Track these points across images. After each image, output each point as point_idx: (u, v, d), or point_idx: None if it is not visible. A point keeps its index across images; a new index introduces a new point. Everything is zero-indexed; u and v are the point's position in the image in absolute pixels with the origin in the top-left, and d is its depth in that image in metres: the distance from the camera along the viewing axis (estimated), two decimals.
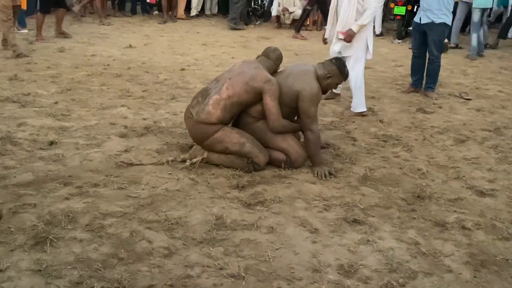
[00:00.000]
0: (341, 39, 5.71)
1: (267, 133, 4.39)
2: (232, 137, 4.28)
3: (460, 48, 10.49)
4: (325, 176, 4.26)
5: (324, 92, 4.55)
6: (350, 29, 5.63)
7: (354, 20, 5.66)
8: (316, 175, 4.29)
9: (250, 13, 13.00)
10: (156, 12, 13.01)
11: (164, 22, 12.20)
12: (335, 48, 5.83)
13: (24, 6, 8.26)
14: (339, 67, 4.52)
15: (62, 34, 9.66)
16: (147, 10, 13.47)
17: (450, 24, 6.68)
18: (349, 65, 5.54)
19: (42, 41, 9.08)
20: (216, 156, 4.36)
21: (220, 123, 4.29)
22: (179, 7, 13.10)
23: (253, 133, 4.42)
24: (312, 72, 4.45)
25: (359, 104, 5.88)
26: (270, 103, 4.27)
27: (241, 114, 4.45)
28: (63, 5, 9.67)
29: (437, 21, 6.51)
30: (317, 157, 4.38)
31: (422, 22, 6.60)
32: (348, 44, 5.72)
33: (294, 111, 4.47)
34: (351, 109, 5.95)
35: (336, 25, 5.92)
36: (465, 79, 7.96)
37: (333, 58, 4.64)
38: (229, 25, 11.86)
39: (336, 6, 5.93)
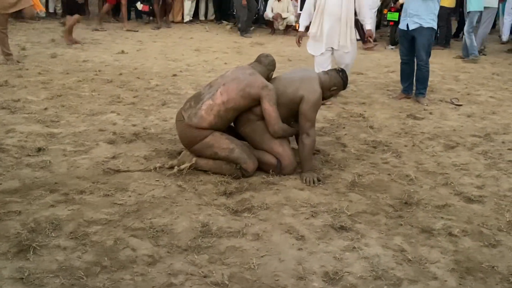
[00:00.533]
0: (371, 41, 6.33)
1: (266, 133, 4.39)
2: (221, 143, 4.28)
3: (484, 54, 10.38)
4: (313, 182, 4.26)
5: (323, 100, 4.59)
6: (370, 30, 6.85)
7: (353, 15, 6.35)
8: (304, 181, 4.28)
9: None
10: (151, 18, 13.00)
11: (158, 28, 12.20)
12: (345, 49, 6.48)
13: (40, 8, 8.16)
14: (343, 80, 4.61)
15: (71, 41, 9.68)
16: (140, 16, 13.47)
17: (436, 29, 6.71)
18: (346, 61, 6.54)
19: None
20: (205, 162, 4.35)
21: (211, 129, 4.28)
22: (175, 12, 13.14)
23: (253, 131, 4.43)
24: (316, 79, 4.51)
25: None
26: (269, 107, 4.28)
27: (243, 111, 4.44)
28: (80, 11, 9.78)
29: (426, 25, 6.52)
30: (308, 162, 4.38)
31: (410, 28, 6.59)
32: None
33: (294, 115, 4.48)
34: None
35: (322, 23, 6.43)
36: (456, 85, 7.97)
37: (339, 69, 4.68)
38: (240, 33, 11.88)
39: (322, 10, 6.34)
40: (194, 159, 4.35)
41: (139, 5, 12.66)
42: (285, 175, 4.37)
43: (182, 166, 4.32)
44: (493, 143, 5.41)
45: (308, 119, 4.35)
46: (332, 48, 6.51)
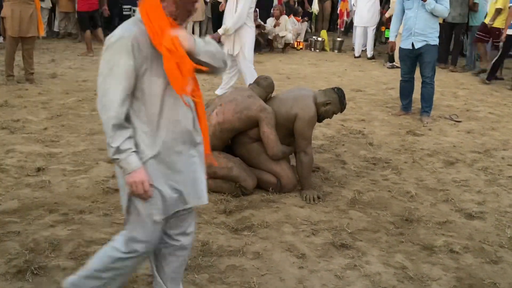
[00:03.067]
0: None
1: (262, 154, 4.39)
2: (219, 162, 4.26)
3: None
4: (313, 200, 4.25)
5: (320, 119, 4.56)
6: (217, 32, 6.61)
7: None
8: (304, 199, 4.27)
9: None
10: None
11: None
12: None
13: (42, 33, 8.27)
14: (339, 96, 4.54)
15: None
16: None
17: (438, 45, 6.76)
18: (238, 66, 6.75)
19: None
20: None
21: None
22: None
23: (248, 153, 4.42)
24: (311, 97, 4.47)
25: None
26: (268, 130, 4.28)
27: (238, 134, 4.44)
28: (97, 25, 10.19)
29: (432, 43, 6.56)
30: (307, 180, 4.37)
31: (416, 47, 6.59)
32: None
33: (290, 134, 4.47)
34: None
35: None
36: (455, 101, 7.99)
37: (335, 87, 4.66)
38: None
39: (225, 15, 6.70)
40: None
41: None
42: (285, 193, 4.36)
43: None
44: (493, 159, 5.41)
45: (304, 137, 4.34)
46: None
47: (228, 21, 6.57)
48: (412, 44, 6.62)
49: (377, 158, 5.32)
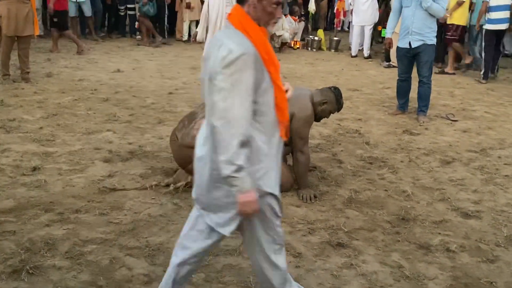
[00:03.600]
0: None
1: None
2: None
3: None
4: (310, 199, 4.24)
5: (317, 119, 4.55)
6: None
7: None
8: (301, 198, 4.26)
9: None
10: (139, 37, 13.03)
11: (156, 46, 12.23)
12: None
13: (37, 33, 8.26)
14: (336, 95, 4.54)
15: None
16: (135, 32, 13.51)
17: (436, 45, 6.76)
18: None
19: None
20: None
21: None
22: (177, 30, 13.27)
23: None
24: (308, 96, 4.46)
25: None
26: None
27: None
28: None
29: (430, 42, 6.56)
30: (304, 180, 4.36)
31: (413, 46, 6.60)
32: None
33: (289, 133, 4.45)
34: None
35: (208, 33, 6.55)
36: (452, 101, 8.00)
37: (332, 87, 4.66)
38: None
39: (207, 12, 6.51)
40: (189, 177, 4.33)
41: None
42: (282, 192, 4.35)
43: (178, 184, 4.30)
44: (489, 158, 5.42)
45: (301, 137, 4.33)
46: None
47: (217, 18, 6.53)
48: (409, 43, 6.62)
49: (374, 157, 5.32)
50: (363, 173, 4.89)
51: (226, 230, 2.41)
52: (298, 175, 4.37)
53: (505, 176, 4.94)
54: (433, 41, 6.61)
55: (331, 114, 4.63)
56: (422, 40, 6.55)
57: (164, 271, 3.10)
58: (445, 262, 3.41)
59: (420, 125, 6.55)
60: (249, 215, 2.33)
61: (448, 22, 10.08)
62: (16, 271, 3.05)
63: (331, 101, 4.51)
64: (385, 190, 4.52)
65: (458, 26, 10.07)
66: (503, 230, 3.85)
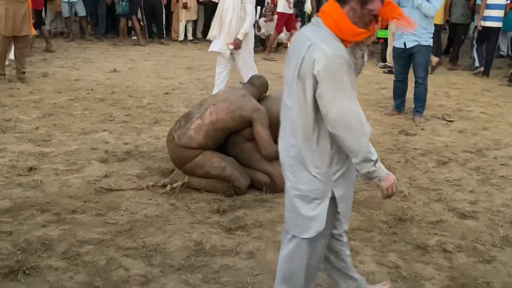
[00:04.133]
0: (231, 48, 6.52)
1: (255, 154, 4.38)
2: (213, 161, 4.26)
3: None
4: None
5: None
6: (237, 38, 6.41)
7: (237, 28, 6.41)
8: None
9: None
10: (134, 37, 13.02)
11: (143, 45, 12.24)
12: (227, 52, 6.53)
13: (33, 33, 8.25)
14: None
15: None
16: (130, 32, 13.50)
17: (432, 46, 6.76)
18: (240, 63, 6.61)
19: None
20: (197, 181, 4.34)
21: (201, 148, 4.27)
22: (173, 30, 13.25)
23: (241, 153, 4.42)
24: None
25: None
26: (261, 131, 4.27)
27: (231, 133, 4.43)
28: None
29: (424, 43, 6.57)
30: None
31: (408, 46, 6.62)
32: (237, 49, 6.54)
33: None
34: None
35: (222, 32, 6.57)
36: (447, 101, 8.01)
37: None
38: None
39: (221, 14, 6.56)
40: (186, 178, 4.34)
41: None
42: (279, 192, 4.35)
43: (175, 185, 4.29)
44: (485, 159, 5.43)
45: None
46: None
47: (232, 19, 6.49)
48: (404, 44, 6.64)
49: None
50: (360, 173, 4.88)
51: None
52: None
53: (501, 176, 4.95)
54: (429, 42, 6.61)
55: None
56: (417, 40, 6.56)
57: (161, 272, 3.12)
58: (442, 262, 3.41)
59: (416, 126, 6.56)
60: (393, 194, 2.44)
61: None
62: (12, 272, 3.04)
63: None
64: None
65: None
66: (499, 231, 3.86)
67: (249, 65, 6.75)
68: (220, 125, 4.28)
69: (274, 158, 4.38)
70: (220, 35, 6.60)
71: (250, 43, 6.73)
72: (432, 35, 6.68)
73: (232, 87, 4.64)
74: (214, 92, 7.07)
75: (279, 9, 11.38)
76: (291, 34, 13.11)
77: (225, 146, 4.53)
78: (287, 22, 11.53)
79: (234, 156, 4.46)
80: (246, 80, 6.34)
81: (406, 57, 6.73)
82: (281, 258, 2.62)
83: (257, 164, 4.40)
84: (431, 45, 6.70)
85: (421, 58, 6.63)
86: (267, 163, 4.38)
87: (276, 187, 4.35)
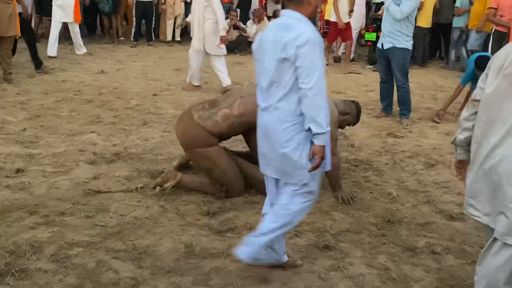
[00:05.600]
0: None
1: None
2: (222, 161, 4.21)
3: None
4: (349, 201, 4.29)
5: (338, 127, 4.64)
6: (222, 36, 7.57)
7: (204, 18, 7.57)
8: (341, 201, 4.29)
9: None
10: (122, 38, 13.00)
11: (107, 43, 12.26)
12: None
13: (18, 34, 8.16)
14: (358, 109, 4.69)
15: None
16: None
17: (411, 49, 6.78)
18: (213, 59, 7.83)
19: None
20: (190, 180, 4.31)
21: (218, 137, 4.22)
22: (161, 32, 13.24)
23: (251, 152, 4.39)
24: (331, 101, 4.52)
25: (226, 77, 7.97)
26: None
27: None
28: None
29: (398, 45, 6.60)
30: (339, 181, 4.41)
31: (384, 48, 6.69)
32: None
33: None
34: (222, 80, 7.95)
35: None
36: (434, 104, 8.06)
37: (355, 101, 4.81)
38: None
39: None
40: (179, 176, 4.30)
41: None
42: None
43: (167, 185, 4.25)
44: None
45: (332, 139, 4.34)
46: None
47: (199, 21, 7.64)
48: (382, 44, 6.71)
49: (359, 159, 5.35)
50: (349, 176, 4.91)
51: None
52: (334, 178, 4.38)
53: None
54: (404, 45, 6.61)
55: (347, 127, 4.76)
56: (392, 42, 6.61)
57: (152, 274, 3.11)
58: (430, 264, 3.44)
59: (404, 128, 6.59)
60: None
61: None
62: (1, 275, 3.01)
63: (353, 114, 4.66)
64: (371, 192, 4.55)
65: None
66: None
67: (222, 61, 7.90)
68: (245, 119, 4.20)
69: None
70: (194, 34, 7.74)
71: (216, 41, 7.65)
72: (410, 39, 6.68)
73: (253, 84, 4.62)
74: (188, 78, 8.19)
75: (331, 17, 10.43)
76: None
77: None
78: (341, 31, 10.35)
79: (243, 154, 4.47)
80: (222, 77, 7.72)
81: (385, 57, 6.78)
82: (491, 268, 2.59)
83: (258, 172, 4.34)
84: (409, 48, 6.70)
85: (396, 60, 6.67)
86: None
87: None
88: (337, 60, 11.56)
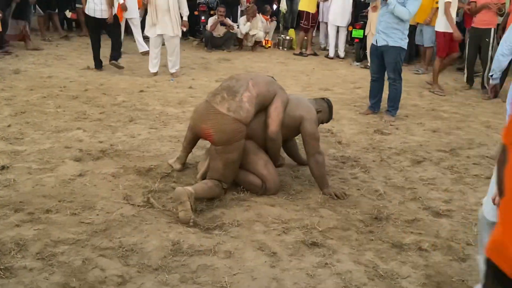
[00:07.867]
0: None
1: (250, 154, 4.31)
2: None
3: None
4: (344, 195, 4.35)
5: None
6: (186, 21, 8.94)
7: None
8: (335, 197, 4.31)
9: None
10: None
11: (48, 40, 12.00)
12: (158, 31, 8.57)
13: None
14: (329, 107, 4.78)
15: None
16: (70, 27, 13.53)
17: (405, 48, 6.79)
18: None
19: None
20: (201, 190, 3.99)
21: (248, 126, 4.19)
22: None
23: None
24: (307, 100, 4.64)
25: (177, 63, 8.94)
26: (280, 107, 4.30)
27: None
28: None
29: (392, 43, 6.62)
30: (325, 179, 4.43)
31: (378, 44, 6.71)
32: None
33: (292, 134, 4.59)
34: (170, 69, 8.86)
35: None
36: (421, 101, 8.11)
37: (325, 98, 4.88)
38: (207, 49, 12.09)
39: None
40: (193, 191, 3.85)
41: (68, 13, 12.84)
42: (270, 195, 4.31)
43: (188, 205, 3.74)
44: (458, 158, 5.51)
45: (315, 138, 4.38)
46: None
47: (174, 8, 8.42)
48: (377, 41, 6.72)
49: (346, 156, 5.36)
50: (336, 173, 4.92)
51: None
52: (321, 176, 4.40)
53: (474, 175, 5.02)
54: (398, 43, 6.62)
55: (320, 124, 4.77)
56: (386, 40, 6.63)
57: (139, 272, 3.09)
58: (417, 260, 3.45)
59: (390, 125, 6.61)
60: None
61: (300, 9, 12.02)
62: None
63: (324, 111, 4.74)
64: (358, 189, 4.56)
65: (308, 13, 11.10)
66: (473, 229, 3.92)
67: (178, 48, 8.85)
68: (259, 99, 4.23)
69: (273, 140, 4.33)
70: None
71: (179, 28, 8.62)
72: (406, 37, 6.71)
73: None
74: (152, 70, 8.89)
75: (439, 28, 8.75)
76: (267, 33, 13.07)
77: None
78: (452, 42, 8.80)
79: None
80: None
81: (379, 55, 6.79)
82: None
83: (251, 165, 4.32)
84: (403, 47, 6.72)
85: (389, 58, 6.69)
86: (261, 166, 4.31)
87: (266, 191, 4.30)
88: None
